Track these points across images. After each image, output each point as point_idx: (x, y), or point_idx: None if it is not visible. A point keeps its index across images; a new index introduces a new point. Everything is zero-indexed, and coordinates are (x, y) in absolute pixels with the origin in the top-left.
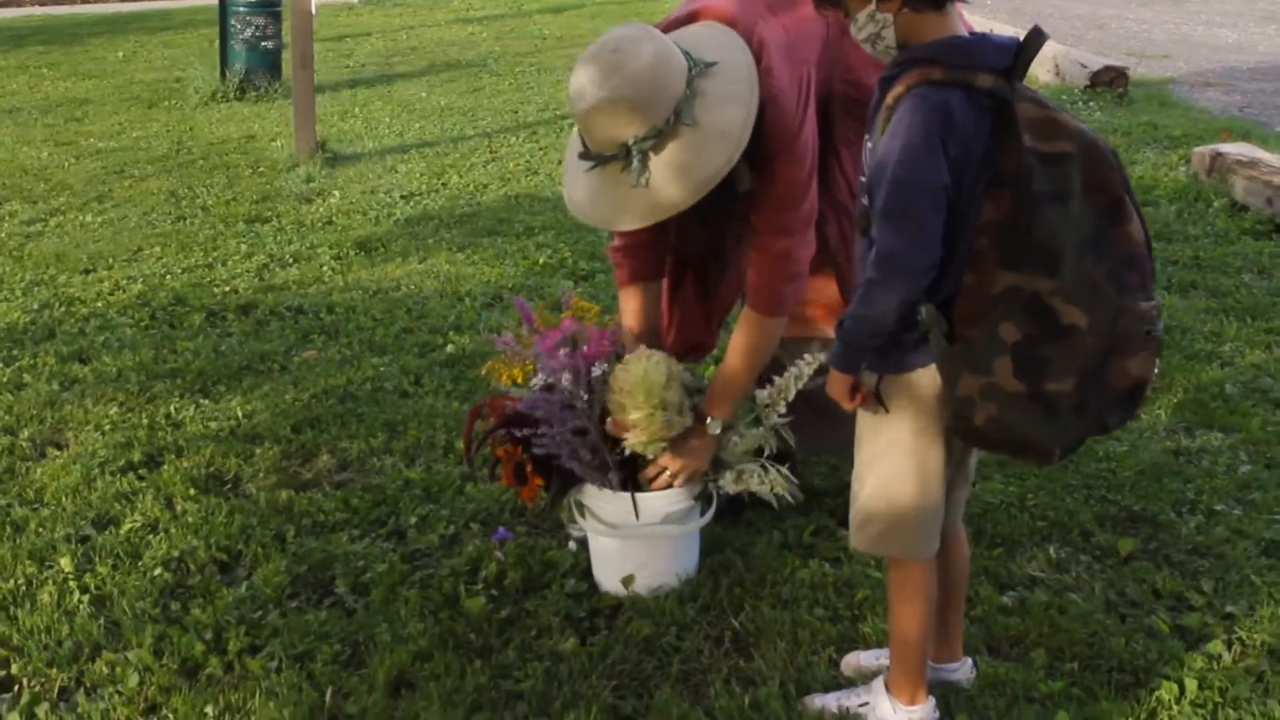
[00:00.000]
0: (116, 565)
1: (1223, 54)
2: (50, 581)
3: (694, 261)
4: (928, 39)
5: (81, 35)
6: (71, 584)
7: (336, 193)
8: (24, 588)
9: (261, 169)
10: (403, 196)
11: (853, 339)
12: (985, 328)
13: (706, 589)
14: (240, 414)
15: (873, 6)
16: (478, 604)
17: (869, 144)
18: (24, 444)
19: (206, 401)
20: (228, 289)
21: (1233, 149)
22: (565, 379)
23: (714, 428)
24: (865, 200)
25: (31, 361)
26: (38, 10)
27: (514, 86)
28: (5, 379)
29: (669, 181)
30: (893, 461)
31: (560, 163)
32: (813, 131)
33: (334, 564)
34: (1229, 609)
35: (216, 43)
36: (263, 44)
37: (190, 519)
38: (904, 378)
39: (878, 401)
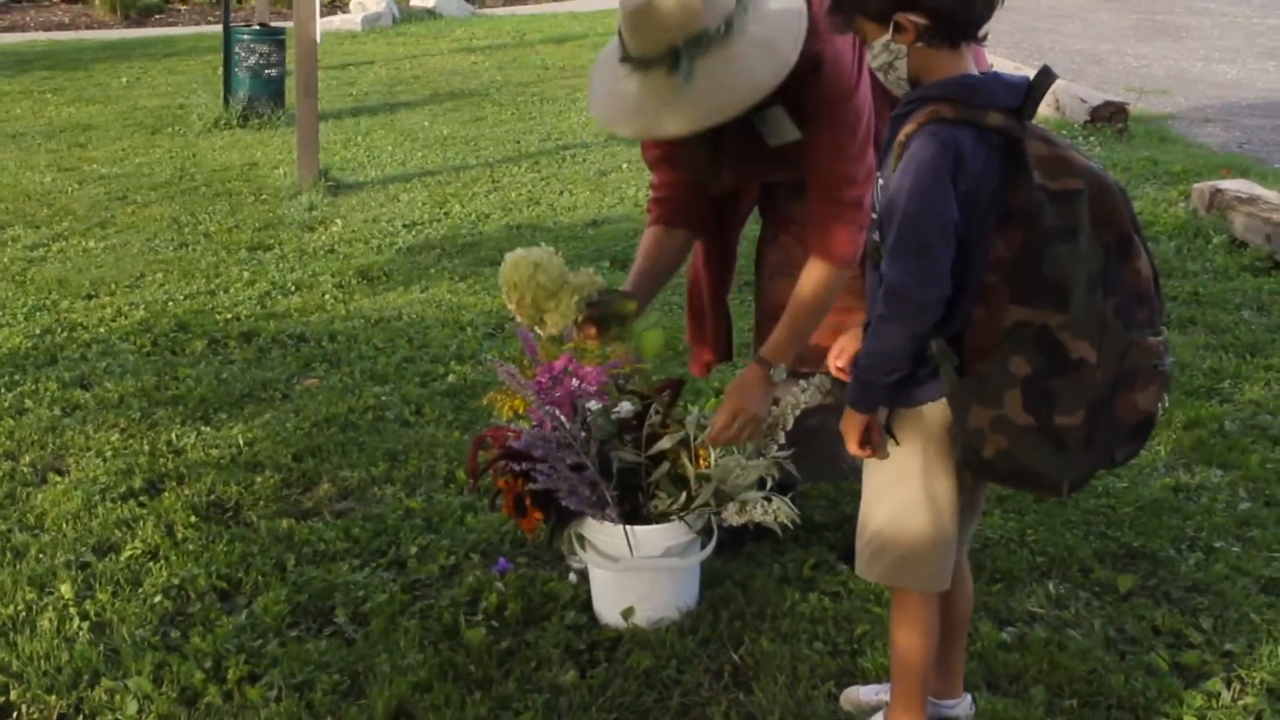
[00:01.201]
0: (116, 592)
1: (1221, 90)
2: (50, 608)
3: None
4: (939, 75)
5: (85, 61)
6: (71, 610)
7: (339, 221)
8: (24, 614)
9: (264, 196)
10: (405, 225)
11: (868, 376)
12: (995, 362)
13: (706, 622)
14: (241, 441)
15: (887, 37)
16: (478, 635)
17: (880, 181)
18: (25, 469)
19: (208, 429)
20: (230, 316)
21: (1232, 185)
22: (560, 419)
23: (777, 374)
24: (876, 235)
25: (33, 387)
26: (42, 35)
27: (516, 116)
28: (7, 404)
29: (716, 89)
30: (905, 493)
31: (553, 190)
32: (867, 94)
33: (334, 593)
34: (1228, 647)
35: (220, 70)
36: (266, 72)
37: (191, 546)
38: (913, 411)
39: (888, 434)
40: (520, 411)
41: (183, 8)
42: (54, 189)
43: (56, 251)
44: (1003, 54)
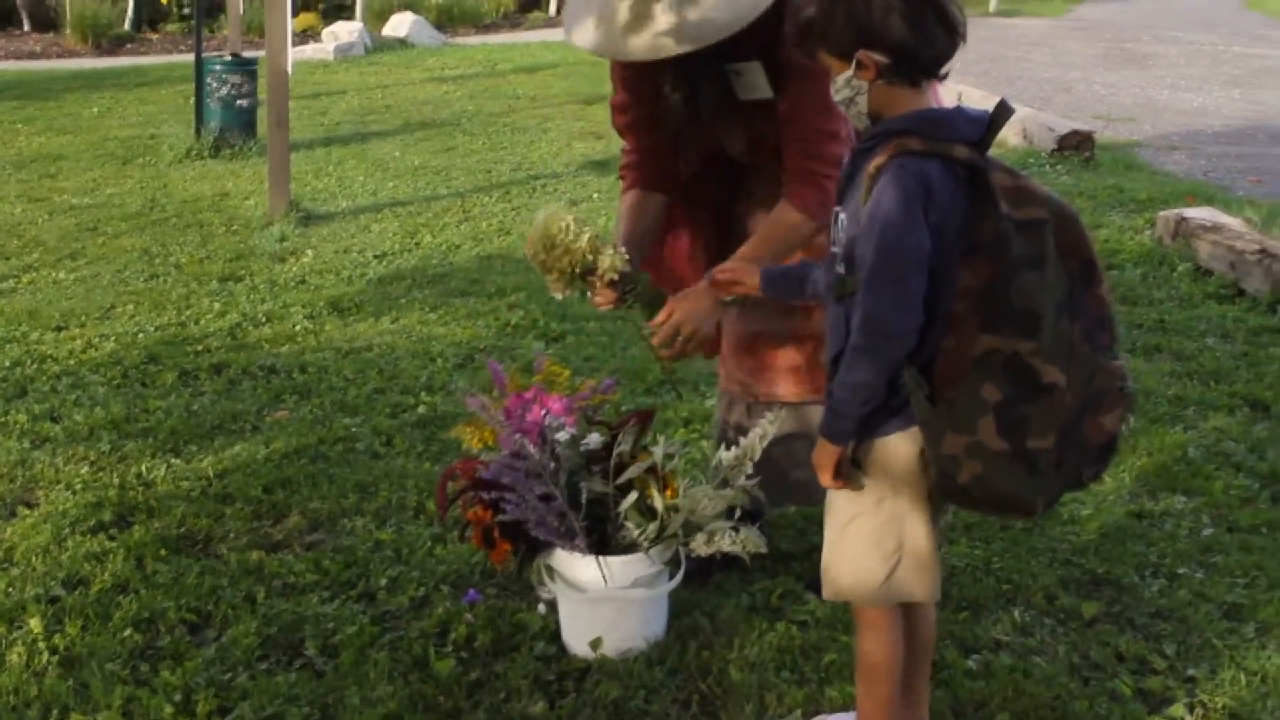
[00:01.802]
0: (86, 626)
1: (1187, 118)
2: (19, 642)
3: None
4: (900, 112)
5: (57, 90)
6: (41, 645)
7: (310, 252)
8: None
9: (235, 227)
10: (376, 256)
11: (844, 407)
12: (967, 389)
13: (674, 652)
14: (212, 474)
15: (850, 73)
16: (447, 666)
17: (841, 216)
18: None
19: (178, 461)
20: (200, 348)
21: (1196, 213)
22: (529, 448)
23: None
24: (840, 269)
25: (2, 419)
26: (13, 65)
27: (487, 146)
28: None
29: (707, 10)
30: (872, 522)
31: (525, 224)
32: None
33: (304, 626)
34: (1191, 672)
35: (192, 100)
36: (238, 102)
37: (160, 579)
38: (879, 442)
39: (854, 466)
40: (489, 443)
41: (155, 37)
42: (24, 220)
43: (26, 283)
44: (970, 82)
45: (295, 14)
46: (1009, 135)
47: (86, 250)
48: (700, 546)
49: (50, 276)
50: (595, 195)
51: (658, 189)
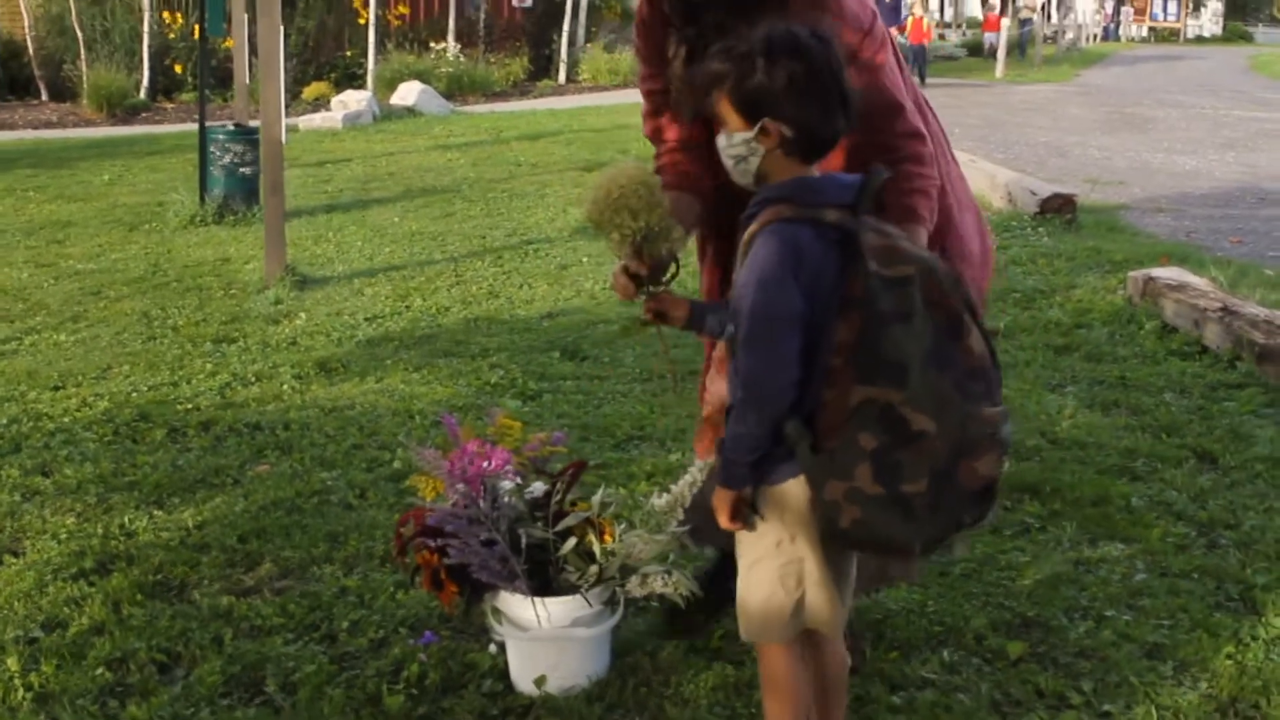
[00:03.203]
0: (60, 665)
1: (1178, 180)
2: None
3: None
4: (784, 178)
5: (70, 159)
6: (16, 682)
7: (303, 314)
8: None
9: (233, 291)
10: (366, 319)
11: (733, 456)
12: (845, 438)
13: (614, 689)
14: (191, 524)
15: (751, 135)
16: (397, 702)
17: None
18: None
19: (160, 512)
20: (190, 406)
21: (1164, 273)
22: (469, 496)
23: None
24: (734, 328)
25: None
26: (30, 134)
27: (485, 212)
28: None
29: None
30: (774, 563)
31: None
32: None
33: (266, 665)
34: (1106, 708)
35: (196, 167)
36: (240, 170)
37: (135, 622)
38: (776, 489)
39: (752, 511)
40: (440, 492)
41: (169, 106)
42: (30, 284)
43: (28, 345)
44: (967, 147)
45: (308, 83)
46: (994, 199)
47: (88, 313)
48: (635, 588)
49: (51, 339)
50: (585, 259)
51: (691, 189)
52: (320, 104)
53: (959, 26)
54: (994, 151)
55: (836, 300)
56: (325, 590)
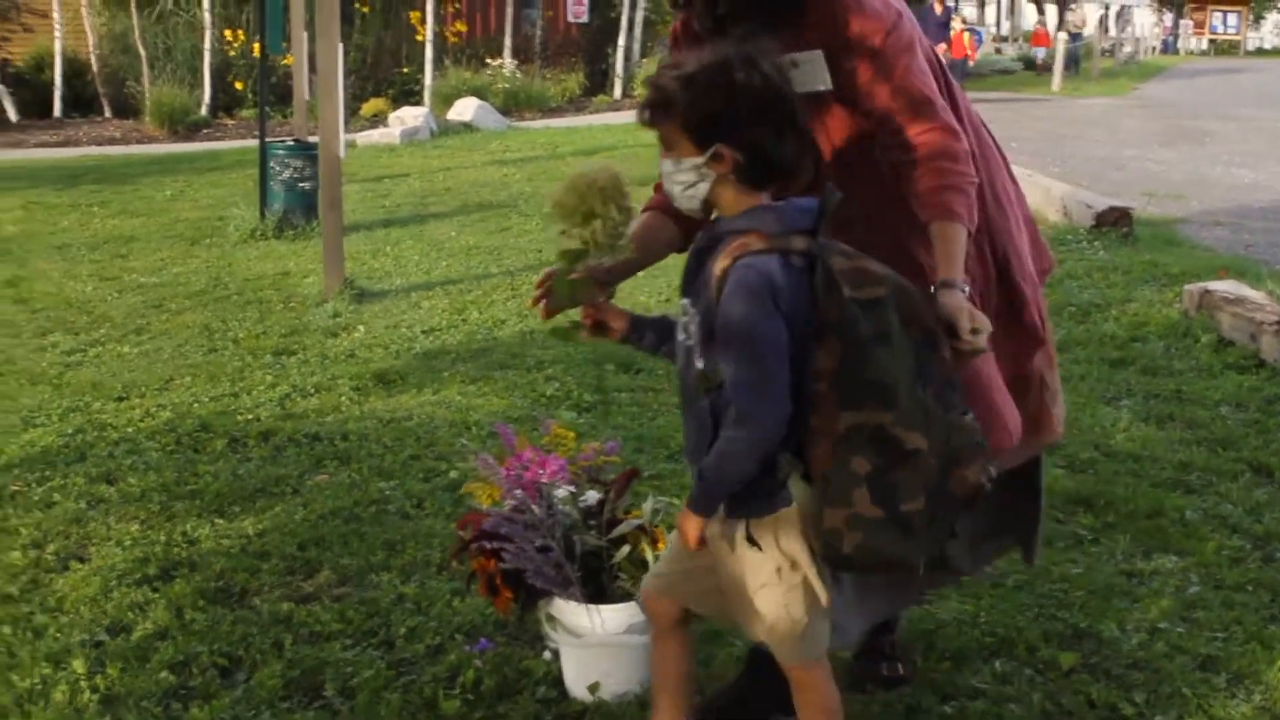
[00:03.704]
0: (125, 668)
1: (1238, 193)
2: (63, 682)
3: None
4: (736, 208)
5: (133, 175)
6: (83, 684)
7: (361, 327)
8: (39, 687)
9: (293, 304)
10: (423, 331)
11: (716, 489)
12: (838, 464)
13: None
14: (252, 532)
15: (702, 161)
16: (453, 707)
17: (690, 308)
18: (49, 557)
19: (221, 521)
20: (250, 417)
21: (1221, 286)
22: (524, 502)
23: (965, 290)
24: (700, 364)
25: (62, 482)
26: (94, 150)
27: (541, 226)
28: (37, 497)
29: None
30: (779, 590)
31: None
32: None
33: (325, 670)
34: (1159, 719)
35: (257, 183)
36: (300, 185)
37: (197, 627)
38: (768, 519)
39: (750, 542)
40: (496, 499)
41: (230, 123)
42: (94, 297)
43: (93, 356)
44: (1023, 161)
45: (366, 99)
46: (1050, 213)
47: (151, 326)
48: None
49: (115, 350)
50: (639, 274)
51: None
52: (378, 120)
53: (1015, 40)
54: (1050, 165)
55: (812, 328)
56: (383, 597)
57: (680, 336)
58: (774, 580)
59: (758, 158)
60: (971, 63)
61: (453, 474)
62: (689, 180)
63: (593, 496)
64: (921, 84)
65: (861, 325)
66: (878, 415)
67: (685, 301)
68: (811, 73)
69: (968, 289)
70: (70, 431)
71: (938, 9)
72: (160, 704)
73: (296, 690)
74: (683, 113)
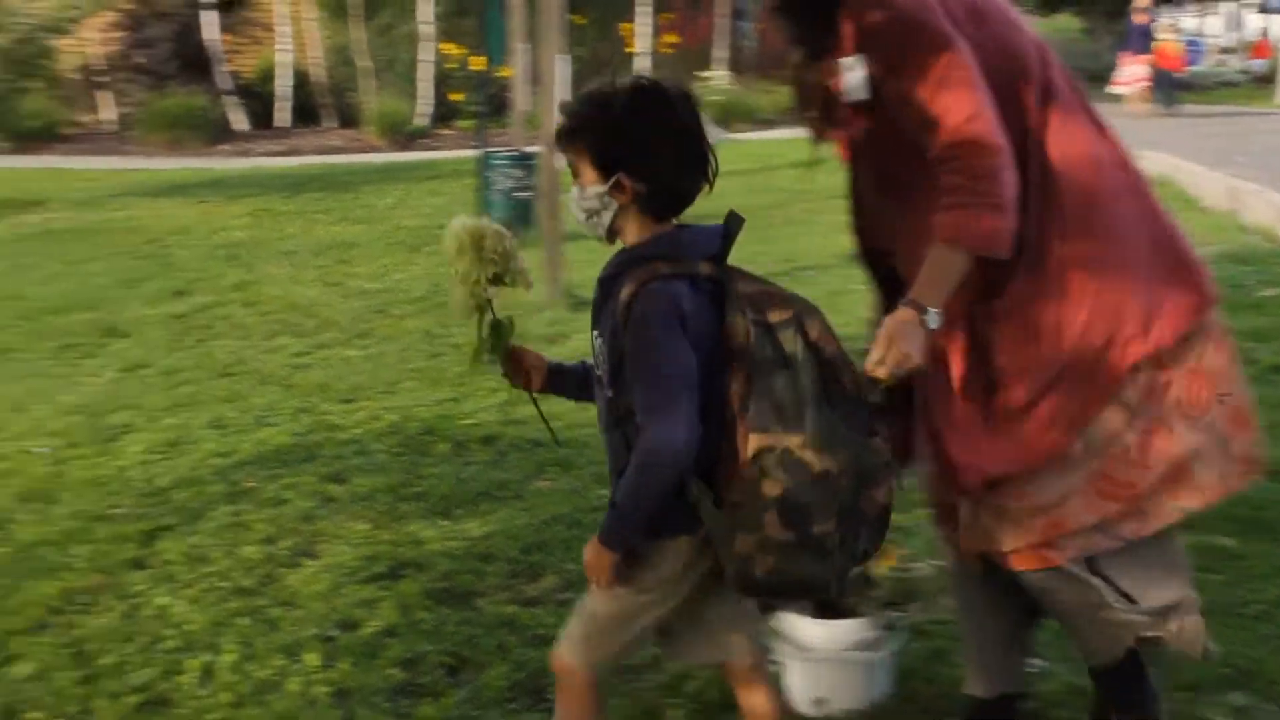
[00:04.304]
0: (356, 663)
1: None
2: (297, 674)
3: None
4: (641, 235)
5: (355, 183)
6: (316, 677)
7: (577, 335)
8: (275, 677)
9: (511, 311)
10: None
11: (628, 522)
12: (748, 489)
13: (893, 714)
14: (476, 535)
15: (604, 189)
16: (677, 716)
17: (598, 339)
18: (282, 553)
19: (446, 523)
20: (473, 421)
21: None
22: None
23: (932, 320)
24: (609, 392)
25: (293, 480)
26: (318, 159)
27: (756, 238)
28: (269, 494)
29: None
30: (631, 600)
31: None
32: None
33: (549, 673)
34: None
35: (476, 192)
36: (517, 194)
37: (424, 626)
38: (655, 545)
39: (627, 569)
40: None
41: (448, 133)
42: (319, 301)
43: (320, 359)
44: (1251, 175)
45: None
46: (1274, 224)
47: (375, 330)
48: (917, 613)
49: (341, 354)
50: (858, 286)
51: None
52: None
53: (1239, 52)
54: (1276, 179)
55: (719, 352)
56: None
57: (596, 369)
58: (631, 595)
59: (659, 188)
60: (1183, 74)
61: None
62: (592, 208)
63: None
64: (944, 97)
65: (766, 348)
66: (786, 438)
67: (595, 332)
68: (854, 79)
69: (931, 316)
70: (300, 431)
71: (1141, 19)
72: (390, 700)
73: (521, 692)
74: (586, 142)
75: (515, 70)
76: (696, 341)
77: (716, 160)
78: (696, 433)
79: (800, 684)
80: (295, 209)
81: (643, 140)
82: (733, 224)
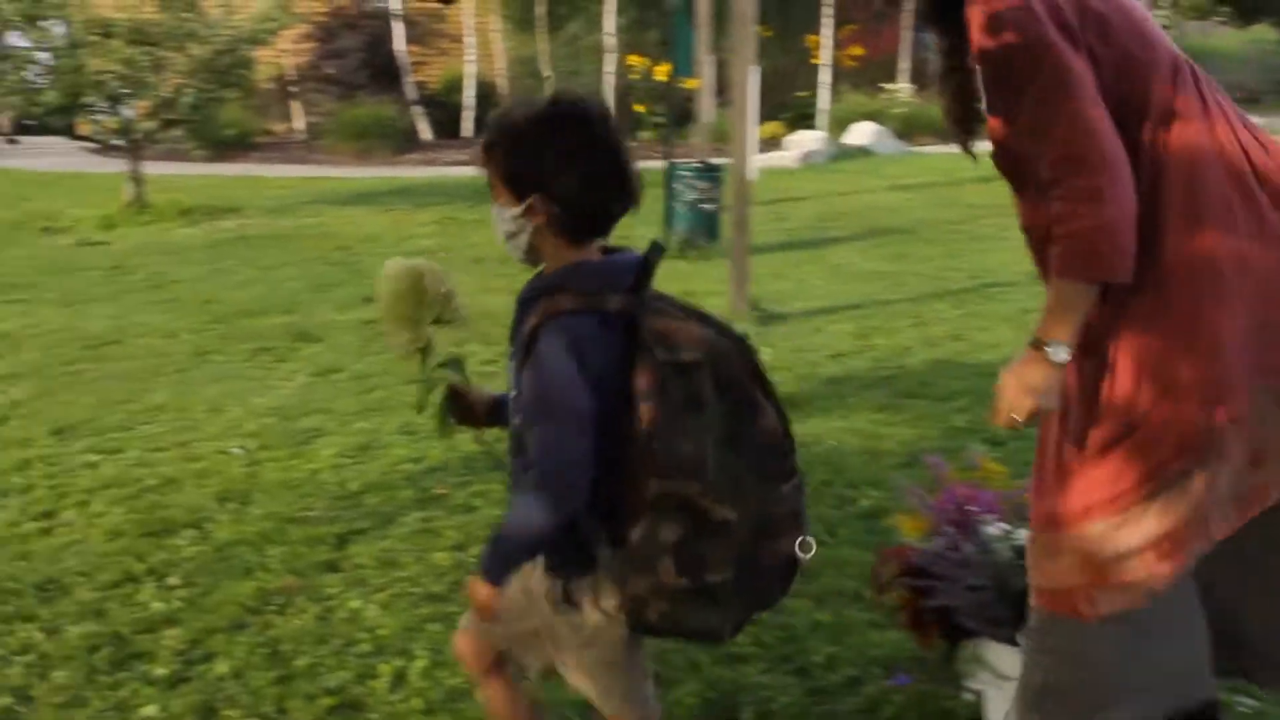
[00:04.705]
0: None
1: None
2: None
3: None
4: (558, 260)
5: None
6: None
7: (768, 349)
8: (466, 685)
9: None
10: (829, 356)
11: (511, 554)
12: (645, 532)
13: None
14: None
15: (518, 211)
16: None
17: (512, 364)
18: (471, 560)
19: None
20: None
21: None
22: (956, 539)
23: (1056, 354)
24: (517, 420)
25: (483, 488)
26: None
27: (943, 253)
28: (459, 501)
29: None
30: (598, 648)
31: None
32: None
33: (741, 692)
34: None
35: (661, 203)
36: (702, 206)
37: None
38: (589, 579)
39: (569, 603)
40: (924, 533)
41: (632, 145)
42: (506, 310)
43: (501, 368)
44: None
45: (761, 123)
46: None
47: None
48: None
49: None
50: None
51: None
52: (774, 143)
53: None
54: None
55: (625, 391)
56: (798, 623)
57: (511, 392)
58: (595, 639)
59: (573, 211)
60: None
61: (864, 502)
62: (510, 230)
63: (1024, 535)
64: (1051, 113)
65: (673, 390)
66: (686, 485)
67: (510, 356)
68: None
69: (1055, 350)
70: (490, 440)
71: None
72: (581, 714)
73: (714, 711)
74: (497, 161)
75: (701, 81)
76: (600, 379)
77: (639, 181)
78: (587, 474)
79: (999, 714)
80: (480, 217)
81: (553, 161)
82: (652, 254)
